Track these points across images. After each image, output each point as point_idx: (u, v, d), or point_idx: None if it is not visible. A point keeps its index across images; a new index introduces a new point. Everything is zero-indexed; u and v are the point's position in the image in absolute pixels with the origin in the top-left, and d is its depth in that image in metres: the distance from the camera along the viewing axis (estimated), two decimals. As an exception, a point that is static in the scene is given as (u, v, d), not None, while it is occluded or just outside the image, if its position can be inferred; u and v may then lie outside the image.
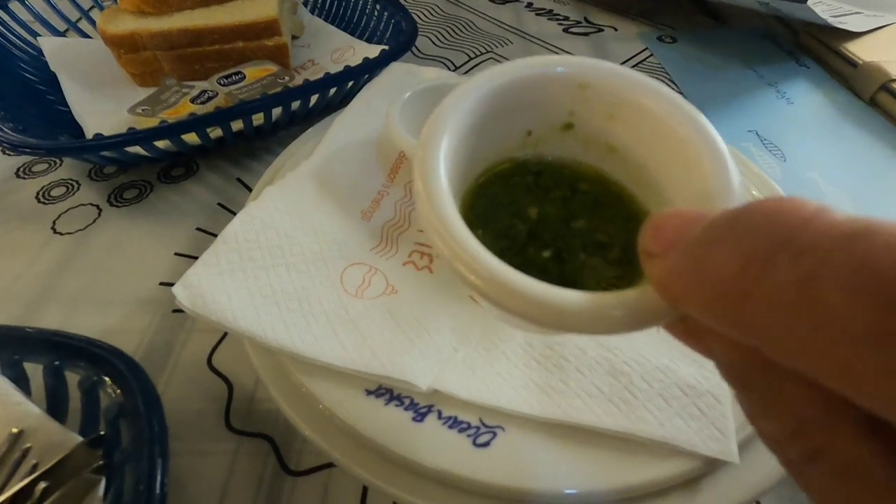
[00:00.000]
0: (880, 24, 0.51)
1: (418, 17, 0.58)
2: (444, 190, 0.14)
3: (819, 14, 0.47)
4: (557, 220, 0.17)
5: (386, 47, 0.42)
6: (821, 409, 0.10)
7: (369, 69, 0.39)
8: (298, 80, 0.44)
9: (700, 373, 0.23)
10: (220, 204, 0.37)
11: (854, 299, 0.08)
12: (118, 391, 0.20)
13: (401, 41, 0.42)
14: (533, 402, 0.22)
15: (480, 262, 0.13)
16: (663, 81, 0.49)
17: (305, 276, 0.27)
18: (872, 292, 0.08)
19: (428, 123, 0.16)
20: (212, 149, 0.39)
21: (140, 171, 0.39)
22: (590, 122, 0.18)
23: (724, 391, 0.22)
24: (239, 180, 0.39)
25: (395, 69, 0.39)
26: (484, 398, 0.23)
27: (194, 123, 0.34)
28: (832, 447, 0.10)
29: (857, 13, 0.52)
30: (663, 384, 0.23)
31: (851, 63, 0.48)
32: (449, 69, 0.50)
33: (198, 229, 0.35)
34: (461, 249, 0.13)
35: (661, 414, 0.22)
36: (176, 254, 0.34)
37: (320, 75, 0.38)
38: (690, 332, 0.12)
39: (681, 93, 0.48)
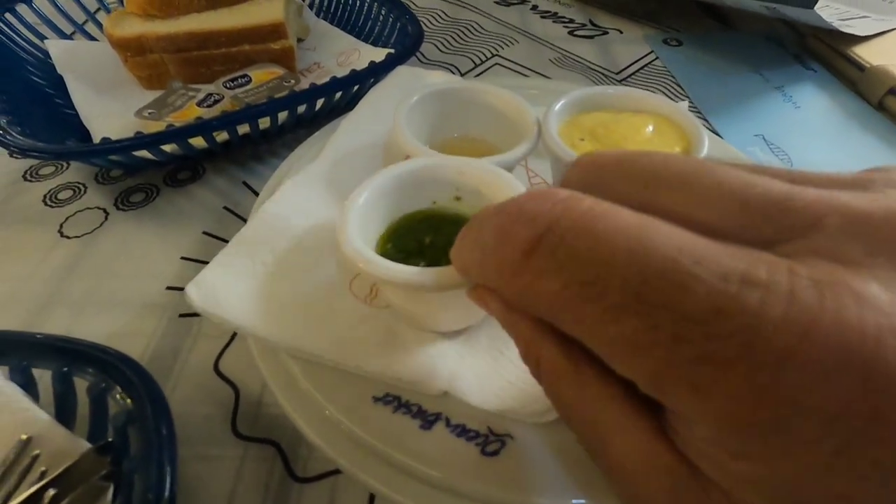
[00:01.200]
0: (888, 28, 0.51)
1: (424, 23, 0.58)
2: (353, 225, 0.23)
3: (825, 18, 0.47)
4: (441, 244, 0.25)
5: (392, 51, 0.42)
6: (532, 331, 0.15)
7: (375, 73, 0.39)
8: (304, 84, 0.44)
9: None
10: (226, 207, 0.37)
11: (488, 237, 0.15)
12: (126, 398, 0.20)
13: (407, 45, 0.42)
14: (539, 407, 0.22)
15: (364, 255, 0.22)
16: (668, 84, 0.50)
17: (317, 282, 0.27)
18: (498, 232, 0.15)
19: (354, 190, 0.24)
20: (218, 152, 0.39)
21: (146, 174, 0.40)
22: (470, 195, 0.27)
23: None
24: (245, 184, 0.39)
25: (402, 73, 0.39)
26: (491, 404, 0.23)
27: (201, 127, 0.34)
28: (543, 358, 0.15)
29: (864, 17, 0.52)
30: None
31: (859, 67, 0.48)
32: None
33: (204, 233, 0.35)
34: (353, 250, 0.22)
35: None
36: (182, 258, 0.34)
37: (326, 78, 0.38)
38: (480, 297, 0.17)
39: (687, 96, 0.48)
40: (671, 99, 0.48)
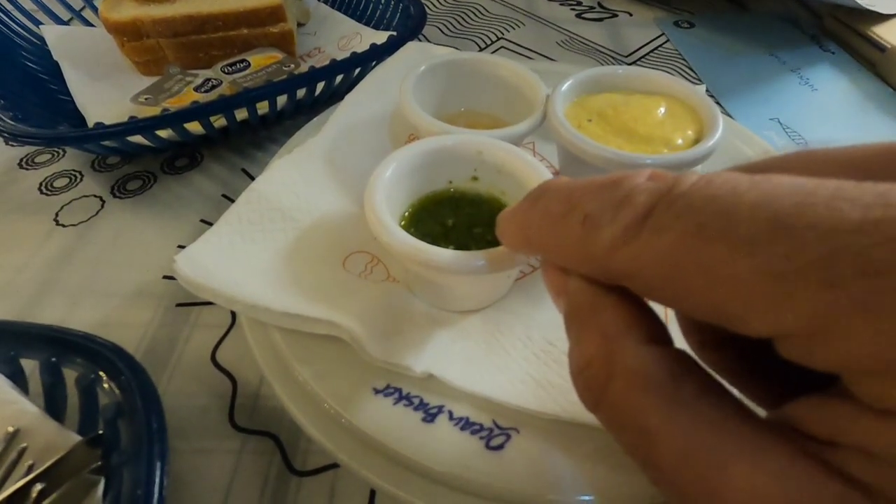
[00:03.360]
0: (910, 7, 0.49)
1: (427, 6, 0.57)
2: (381, 202, 0.23)
3: (846, -4, 0.45)
4: (464, 226, 0.26)
5: (394, 33, 0.41)
6: (616, 326, 0.13)
7: (376, 55, 0.38)
8: (304, 68, 0.42)
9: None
10: (224, 195, 0.36)
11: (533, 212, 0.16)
12: (117, 389, 0.20)
13: (409, 27, 0.41)
14: (529, 395, 0.22)
15: (398, 236, 0.22)
16: (681, 68, 0.48)
17: (308, 258, 0.26)
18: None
19: (375, 170, 0.24)
20: (216, 139, 0.38)
21: (143, 161, 0.39)
22: (487, 176, 0.27)
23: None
24: (244, 171, 0.38)
25: (411, 48, 0.38)
26: (478, 387, 0.22)
27: (196, 112, 0.33)
28: (622, 363, 0.13)
29: (885, -5, 0.49)
30: None
31: (879, 47, 0.46)
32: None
33: (202, 221, 0.35)
34: (385, 230, 0.22)
35: None
36: (179, 246, 0.33)
37: (327, 63, 0.37)
38: (556, 279, 0.16)
39: (699, 80, 0.46)
40: (683, 82, 0.47)
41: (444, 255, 0.21)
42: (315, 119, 0.35)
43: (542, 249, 0.16)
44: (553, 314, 0.25)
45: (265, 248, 0.26)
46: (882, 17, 0.48)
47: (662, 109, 0.29)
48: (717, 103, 0.44)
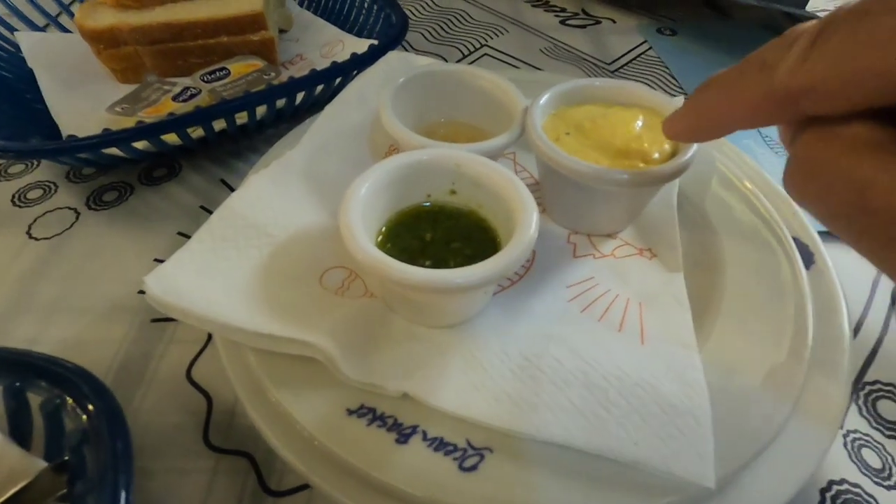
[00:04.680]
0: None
1: (411, 12, 0.57)
2: (357, 218, 0.23)
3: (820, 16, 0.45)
4: (441, 241, 0.26)
5: (375, 41, 0.41)
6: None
7: (357, 65, 0.37)
8: (285, 77, 0.42)
9: (682, 391, 0.22)
10: (202, 207, 0.36)
11: None
12: (83, 414, 0.19)
13: (391, 35, 0.41)
14: (503, 414, 0.22)
15: (372, 254, 0.22)
16: (662, 75, 0.48)
17: (284, 275, 0.26)
18: None
19: (352, 184, 0.24)
20: (195, 149, 0.37)
21: (120, 172, 0.38)
22: (465, 189, 0.27)
23: (705, 413, 0.21)
24: (223, 181, 0.38)
25: (392, 58, 0.38)
26: (453, 406, 0.22)
27: (172, 124, 0.32)
28: (847, 130, 0.13)
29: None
30: (642, 401, 0.22)
31: (857, 56, 0.47)
32: (442, 64, 0.48)
33: (179, 234, 0.34)
34: (360, 248, 0.22)
35: (637, 432, 0.21)
36: (156, 260, 0.33)
37: (308, 71, 0.37)
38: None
39: (680, 87, 0.47)
40: (665, 89, 0.47)
41: (419, 273, 0.21)
42: (297, 127, 0.35)
43: (719, 114, 0.17)
44: (530, 328, 0.25)
45: (239, 266, 0.25)
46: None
47: (640, 122, 0.29)
48: (699, 112, 0.44)
